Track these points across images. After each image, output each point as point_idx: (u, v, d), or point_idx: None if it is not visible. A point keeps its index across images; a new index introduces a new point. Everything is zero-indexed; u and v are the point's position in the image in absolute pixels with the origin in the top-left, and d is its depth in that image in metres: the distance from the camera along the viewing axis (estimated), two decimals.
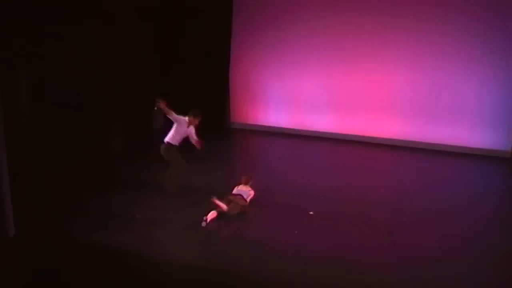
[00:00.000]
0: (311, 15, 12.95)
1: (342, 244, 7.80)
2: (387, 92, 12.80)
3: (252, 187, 8.97)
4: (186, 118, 9.10)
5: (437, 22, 12.09)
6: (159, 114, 13.34)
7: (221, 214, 8.26)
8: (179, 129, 9.06)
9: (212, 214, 8.17)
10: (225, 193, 9.39)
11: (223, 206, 8.28)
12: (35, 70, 9.31)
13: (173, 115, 8.95)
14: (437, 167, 11.58)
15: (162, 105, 8.90)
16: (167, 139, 9.09)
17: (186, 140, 9.24)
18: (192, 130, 9.16)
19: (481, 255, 7.51)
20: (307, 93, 13.42)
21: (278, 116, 13.86)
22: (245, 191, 8.85)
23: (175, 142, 9.06)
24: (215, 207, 8.28)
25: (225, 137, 13.67)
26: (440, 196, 9.73)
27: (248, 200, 8.75)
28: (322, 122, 13.44)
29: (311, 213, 8.65)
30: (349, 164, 11.60)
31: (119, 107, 11.70)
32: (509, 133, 12.06)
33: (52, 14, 9.53)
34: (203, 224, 8.00)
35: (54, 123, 9.86)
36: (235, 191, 8.85)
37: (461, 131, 12.38)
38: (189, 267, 6.98)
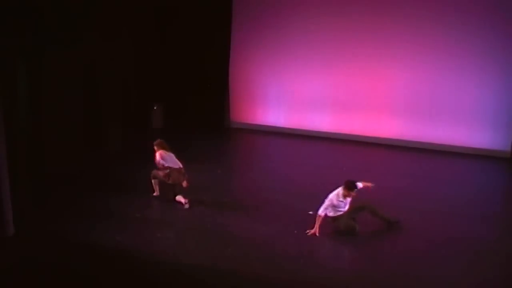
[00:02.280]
0: (310, 14, 12.92)
1: (342, 244, 7.81)
2: (387, 92, 12.78)
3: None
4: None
5: (437, 22, 12.06)
6: (158, 114, 13.46)
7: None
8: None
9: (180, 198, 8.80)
10: (224, 192, 9.46)
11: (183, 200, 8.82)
12: (34, 70, 9.32)
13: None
14: (437, 167, 11.57)
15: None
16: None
17: None
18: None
19: (481, 255, 7.51)
20: (307, 93, 13.40)
21: (278, 116, 13.84)
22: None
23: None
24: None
25: (224, 136, 13.67)
26: (440, 196, 9.72)
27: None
28: (322, 121, 13.42)
29: (310, 213, 8.64)
30: (348, 164, 11.58)
31: (118, 106, 11.70)
32: (509, 133, 12.04)
33: (51, 12, 9.53)
34: (186, 206, 8.72)
35: (53, 123, 9.86)
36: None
37: (461, 131, 12.35)
38: (188, 267, 6.98)
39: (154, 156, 8.94)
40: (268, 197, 9.30)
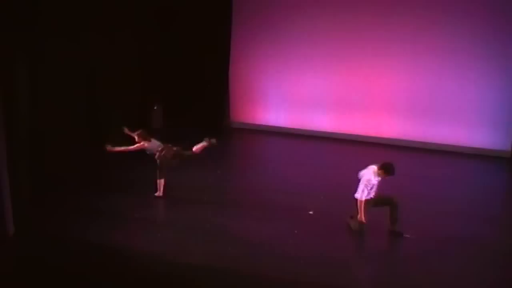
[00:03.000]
0: (311, 15, 12.94)
1: (342, 244, 7.81)
2: (387, 91, 12.79)
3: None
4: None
5: (437, 22, 12.08)
6: (158, 114, 13.45)
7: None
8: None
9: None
10: (224, 192, 9.44)
11: None
12: (35, 70, 9.30)
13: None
14: (437, 167, 11.57)
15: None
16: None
17: None
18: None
19: (481, 255, 7.51)
20: (307, 93, 13.41)
21: (278, 116, 13.85)
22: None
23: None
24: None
25: (224, 136, 13.64)
26: (440, 196, 9.73)
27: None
28: (322, 121, 13.43)
29: (311, 212, 8.66)
30: (348, 164, 11.54)
31: (118, 106, 11.68)
32: (509, 133, 12.05)
33: (52, 12, 9.53)
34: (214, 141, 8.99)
35: (53, 122, 9.85)
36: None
37: (461, 131, 12.36)
38: (189, 266, 6.98)
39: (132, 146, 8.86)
40: (268, 197, 9.30)
